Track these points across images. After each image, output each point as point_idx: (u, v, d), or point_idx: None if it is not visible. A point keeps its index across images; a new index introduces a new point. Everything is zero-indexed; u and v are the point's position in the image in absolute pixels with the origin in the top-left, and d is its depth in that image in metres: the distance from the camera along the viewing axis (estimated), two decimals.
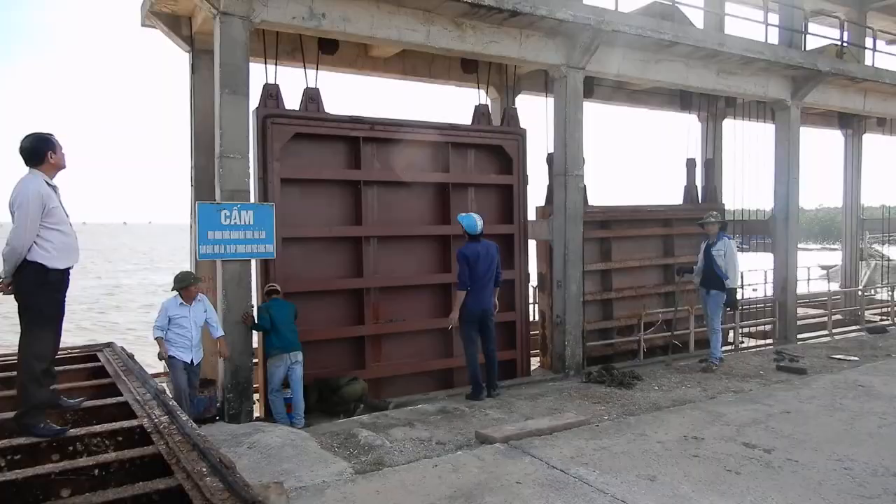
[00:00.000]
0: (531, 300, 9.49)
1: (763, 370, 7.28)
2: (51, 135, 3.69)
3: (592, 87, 9.69)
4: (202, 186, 7.49)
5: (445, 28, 7.24)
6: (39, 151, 3.61)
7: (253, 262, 6.56)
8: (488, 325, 6.49)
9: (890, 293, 14.35)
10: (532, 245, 8.95)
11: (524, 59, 7.99)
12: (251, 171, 6.47)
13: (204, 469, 3.11)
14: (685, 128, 11.48)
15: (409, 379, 7.90)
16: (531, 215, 8.91)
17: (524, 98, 9.89)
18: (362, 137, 7.50)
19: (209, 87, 6.97)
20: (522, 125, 8.80)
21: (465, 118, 8.54)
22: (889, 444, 4.82)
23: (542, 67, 8.44)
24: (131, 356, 5.16)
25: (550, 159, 8.77)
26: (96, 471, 3.22)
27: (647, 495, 3.80)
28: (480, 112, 8.63)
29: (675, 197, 11.03)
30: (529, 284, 8.97)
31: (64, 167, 3.76)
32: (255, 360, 6.69)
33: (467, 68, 8.82)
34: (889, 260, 20.21)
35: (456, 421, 5.37)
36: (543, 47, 7.95)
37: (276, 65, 7.37)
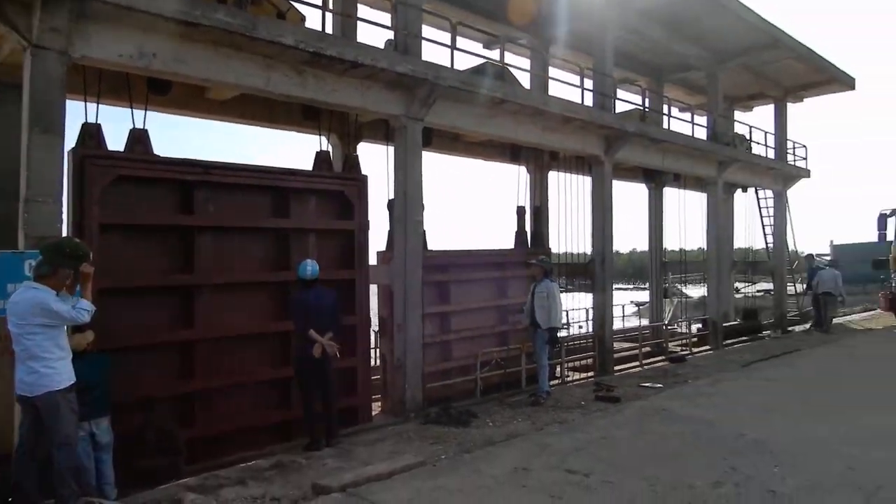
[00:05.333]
0: (373, 345, 9.56)
1: (584, 401, 7.98)
2: None
3: (431, 138, 10.19)
4: (2, 234, 6.71)
5: (286, 75, 7.27)
6: None
7: None
8: (325, 372, 6.45)
9: (688, 326, 16.44)
10: (374, 290, 9.07)
11: (366, 109, 8.24)
12: (64, 216, 5.93)
13: None
14: (516, 178, 12.45)
15: (247, 434, 7.52)
16: (373, 260, 9.06)
17: (366, 146, 10.15)
18: (195, 181, 7.20)
19: (14, 124, 6.34)
20: (364, 172, 8.99)
21: (307, 164, 8.57)
22: (685, 460, 5.52)
23: (383, 117, 8.74)
24: None
25: (391, 206, 9.04)
26: None
27: None
28: (322, 158, 8.70)
29: (507, 242, 11.83)
30: (371, 329, 9.04)
31: None
32: None
33: (309, 115, 8.89)
34: (688, 297, 23.10)
35: (292, 474, 5.24)
36: (384, 98, 8.26)
37: (97, 103, 6.90)
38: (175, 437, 6.36)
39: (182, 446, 6.39)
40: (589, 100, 11.66)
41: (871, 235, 16.85)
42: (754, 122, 18.18)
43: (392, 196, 8.91)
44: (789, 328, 17.71)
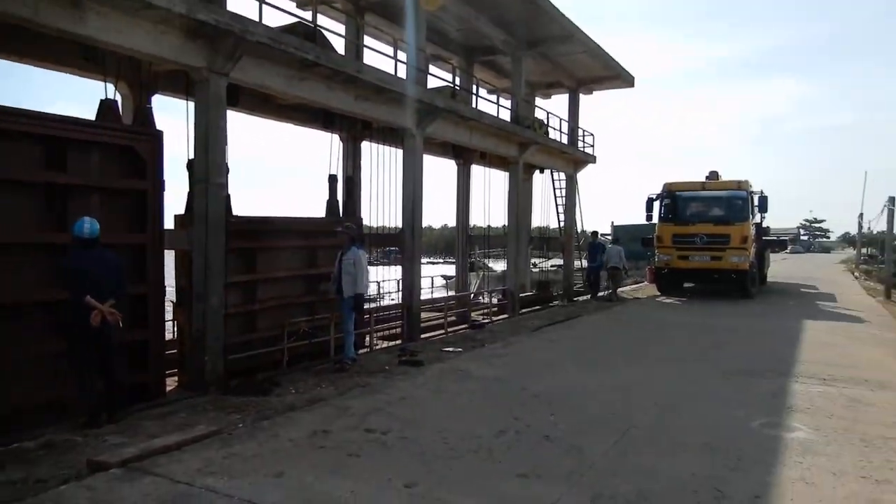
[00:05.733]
0: (169, 317, 8.88)
1: (389, 365, 8.23)
2: None
3: (238, 96, 9.62)
4: None
5: (59, 5, 6.34)
6: None
7: None
8: (105, 343, 5.86)
9: (490, 298, 17.64)
10: (171, 257, 8.40)
11: (161, 57, 7.51)
12: None
13: None
14: (329, 146, 12.27)
15: (10, 417, 6.58)
16: (169, 224, 8.37)
17: (162, 99, 9.30)
18: None
19: None
20: (160, 127, 8.22)
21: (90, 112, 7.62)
22: (476, 414, 5.98)
23: (182, 68, 8.04)
24: None
25: (191, 166, 8.40)
26: None
27: (274, 491, 3.96)
28: (107, 108, 7.77)
29: (320, 211, 11.66)
30: (166, 299, 8.38)
31: None
32: None
33: (92, 57, 7.86)
34: (492, 271, 24.71)
35: (66, 454, 4.72)
36: (183, 47, 7.59)
37: None
38: None
39: None
40: (403, 72, 11.83)
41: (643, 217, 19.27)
42: (552, 108, 19.83)
43: (192, 156, 8.28)
44: (575, 298, 19.83)
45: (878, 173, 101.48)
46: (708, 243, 17.34)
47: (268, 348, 9.63)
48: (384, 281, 15.09)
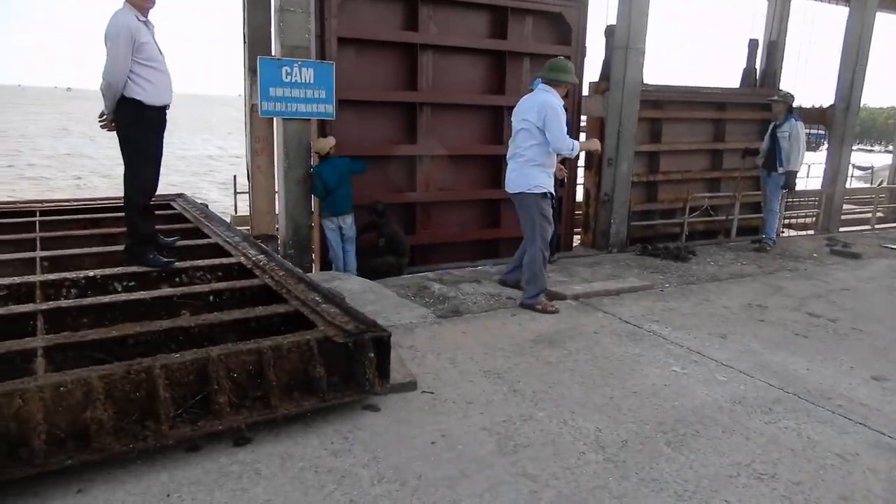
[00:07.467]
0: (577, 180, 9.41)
1: (816, 253, 7.31)
2: None
3: None
4: (257, 46, 7.32)
5: None
6: None
7: (313, 122, 6.53)
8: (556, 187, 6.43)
9: None
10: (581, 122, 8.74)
11: None
12: (311, 27, 6.26)
13: (317, 298, 3.25)
14: (751, 5, 10.83)
15: (457, 247, 8.06)
16: (584, 91, 8.64)
17: None
18: None
19: None
20: None
21: None
22: None
23: None
24: (205, 205, 5.25)
25: (611, 31, 8.36)
26: (211, 297, 3.38)
27: (720, 350, 3.95)
28: None
29: (731, 80, 10.61)
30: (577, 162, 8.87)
31: (151, 6, 3.64)
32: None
33: None
34: None
35: None
36: None
37: None
38: (404, 242, 7.00)
39: (408, 250, 7.07)
40: None
41: None
42: None
43: (613, 21, 8.19)
44: None
45: None
46: None
47: (664, 221, 9.56)
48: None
